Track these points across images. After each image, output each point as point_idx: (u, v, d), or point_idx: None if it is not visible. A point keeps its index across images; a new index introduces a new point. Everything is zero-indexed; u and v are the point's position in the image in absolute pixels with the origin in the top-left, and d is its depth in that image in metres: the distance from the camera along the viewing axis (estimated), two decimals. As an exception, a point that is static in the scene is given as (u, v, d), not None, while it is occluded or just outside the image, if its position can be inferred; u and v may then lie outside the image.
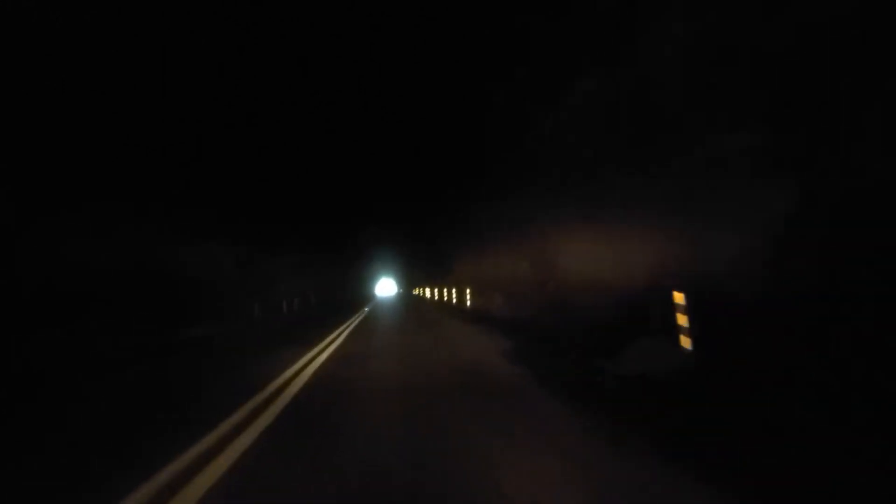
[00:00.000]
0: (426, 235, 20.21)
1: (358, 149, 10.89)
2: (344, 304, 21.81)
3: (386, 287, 51.89)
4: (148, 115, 6.26)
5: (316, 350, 5.70)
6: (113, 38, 4.95)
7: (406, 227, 21.94)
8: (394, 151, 11.41)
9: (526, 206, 7.68)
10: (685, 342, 3.61)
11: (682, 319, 3.65)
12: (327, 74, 6.98)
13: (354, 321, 11.17)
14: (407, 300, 28.79)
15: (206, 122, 7.20)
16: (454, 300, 16.84)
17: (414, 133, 9.96)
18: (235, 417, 2.94)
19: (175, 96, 6.24)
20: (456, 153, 10.32)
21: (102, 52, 5.04)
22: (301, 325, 10.13)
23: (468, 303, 13.65)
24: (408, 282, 41.92)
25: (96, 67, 5.17)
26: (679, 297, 3.70)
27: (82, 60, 5.00)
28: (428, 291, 27.18)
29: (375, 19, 5.73)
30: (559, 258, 6.47)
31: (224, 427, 2.75)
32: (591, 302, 5.26)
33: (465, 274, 14.99)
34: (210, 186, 8.85)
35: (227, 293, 10.63)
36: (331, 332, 7.87)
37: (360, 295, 36.05)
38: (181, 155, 7.41)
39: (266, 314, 12.96)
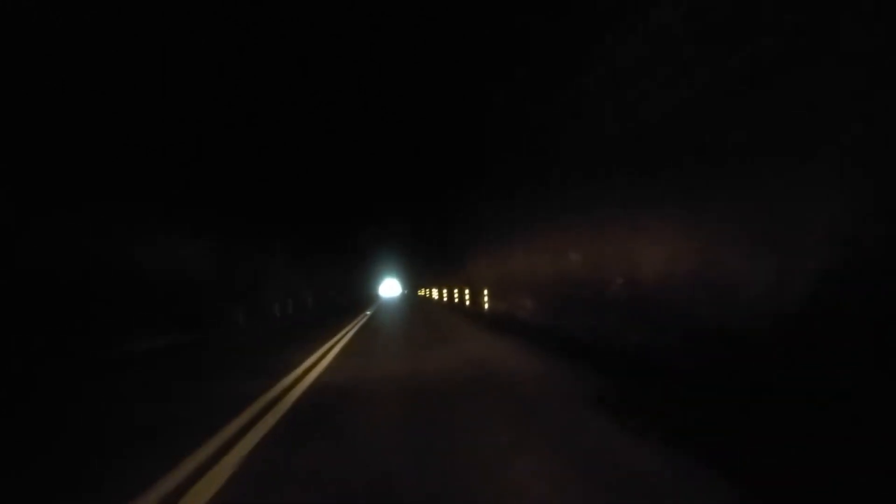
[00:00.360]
0: (433, 233, 18.99)
1: (358, 148, 10.88)
2: (345, 307, 20.40)
3: (390, 287, 51.81)
4: (148, 115, 6.25)
5: (300, 370, 4.34)
6: (113, 38, 4.95)
7: (410, 225, 21.69)
8: (395, 150, 11.40)
9: (577, 188, 5.99)
10: None
11: None
12: (327, 74, 6.97)
13: (353, 327, 9.85)
14: (413, 301, 27.63)
15: (206, 122, 7.20)
16: (467, 301, 14.93)
17: (415, 131, 9.95)
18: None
19: (175, 96, 6.24)
20: (462, 145, 10.27)
21: (102, 53, 5.04)
22: (288, 332, 9.18)
23: (486, 305, 11.89)
24: (413, 282, 41.71)
25: (96, 67, 5.17)
26: None
27: (82, 60, 5.01)
28: (435, 292, 25.82)
29: (375, 19, 5.72)
30: (637, 247, 4.52)
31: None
32: (691, 307, 3.56)
33: (480, 272, 12.96)
34: (209, 186, 8.85)
35: (208, 295, 9.45)
36: (323, 343, 6.82)
37: (363, 296, 35.67)
38: (181, 154, 7.41)
39: (253, 319, 11.54)
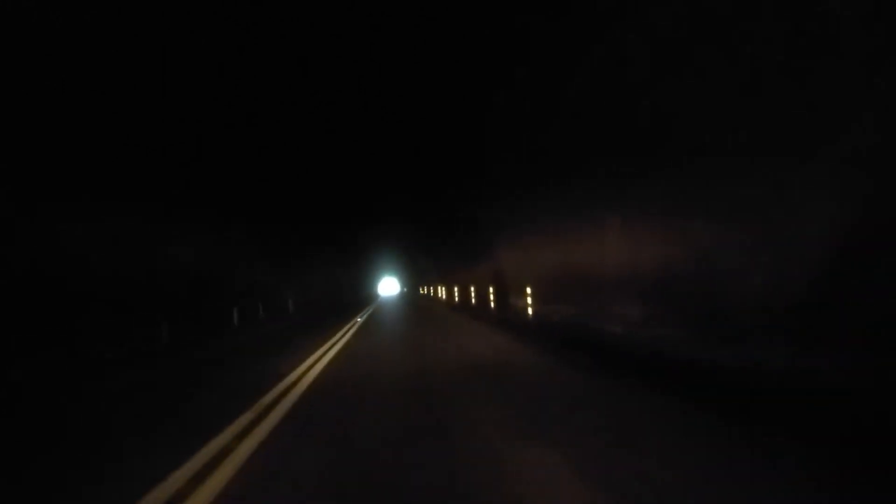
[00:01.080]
0: (438, 227, 17.35)
1: (358, 147, 10.89)
2: (335, 309, 18.18)
3: (389, 286, 51.73)
4: (148, 115, 6.25)
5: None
6: (113, 38, 4.95)
7: (411, 223, 21.21)
8: (395, 148, 11.41)
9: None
10: None
11: None
12: (327, 74, 6.97)
13: (336, 343, 7.49)
14: (415, 301, 25.20)
15: (206, 122, 7.20)
16: (492, 304, 11.54)
17: (415, 128, 9.95)
18: None
19: (175, 96, 6.24)
20: (463, 139, 10.19)
21: (102, 52, 5.03)
22: (222, 364, 6.46)
23: (529, 310, 8.79)
24: (413, 280, 41.32)
25: (96, 67, 5.17)
26: None
27: (82, 60, 5.00)
28: (442, 291, 23.10)
29: (375, 19, 5.72)
30: None
31: None
32: None
33: (514, 266, 10.03)
34: (209, 186, 8.84)
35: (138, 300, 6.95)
36: (257, 401, 3.80)
37: (360, 295, 35.26)
38: (182, 155, 7.41)
39: (197, 332, 8.60)
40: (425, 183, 14.14)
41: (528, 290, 8.94)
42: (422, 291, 35.64)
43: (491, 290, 11.78)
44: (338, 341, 8.08)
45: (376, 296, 42.24)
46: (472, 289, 14.36)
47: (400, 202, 17.90)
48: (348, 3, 5.40)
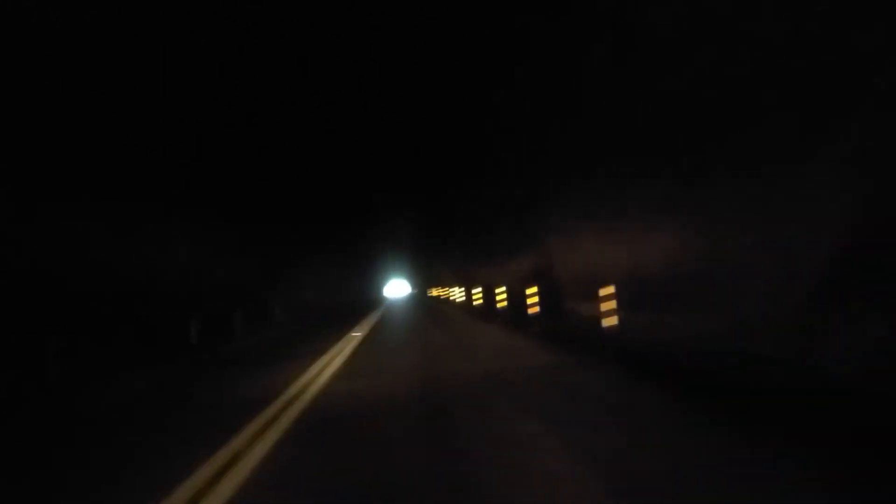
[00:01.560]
0: (452, 223, 15.79)
1: (359, 148, 10.88)
2: (332, 315, 16.76)
3: (397, 288, 50.41)
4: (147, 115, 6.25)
5: None
6: (113, 38, 4.94)
7: (417, 221, 20.24)
8: (396, 148, 11.39)
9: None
10: None
11: None
12: (327, 74, 6.97)
13: (317, 379, 5.67)
14: (427, 305, 23.49)
15: (206, 122, 7.20)
16: (534, 309, 9.05)
17: (416, 129, 9.95)
18: None
19: (175, 96, 6.23)
20: (467, 136, 10.18)
21: (103, 52, 5.03)
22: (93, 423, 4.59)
23: (615, 319, 6.42)
24: (423, 280, 39.62)
25: (96, 67, 5.17)
26: None
27: (82, 60, 5.00)
28: (457, 292, 20.95)
29: (375, 19, 5.72)
30: None
31: None
32: None
33: (571, 261, 7.83)
34: (208, 186, 8.84)
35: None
36: None
37: (364, 298, 34.07)
38: (182, 155, 7.40)
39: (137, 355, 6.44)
40: (426, 182, 14.10)
41: (607, 293, 6.09)
42: (434, 293, 34.42)
43: (535, 290, 9.06)
44: (319, 374, 6.07)
45: (383, 299, 41.01)
46: (498, 291, 11.90)
47: (403, 200, 17.78)
48: (348, 3, 5.40)
